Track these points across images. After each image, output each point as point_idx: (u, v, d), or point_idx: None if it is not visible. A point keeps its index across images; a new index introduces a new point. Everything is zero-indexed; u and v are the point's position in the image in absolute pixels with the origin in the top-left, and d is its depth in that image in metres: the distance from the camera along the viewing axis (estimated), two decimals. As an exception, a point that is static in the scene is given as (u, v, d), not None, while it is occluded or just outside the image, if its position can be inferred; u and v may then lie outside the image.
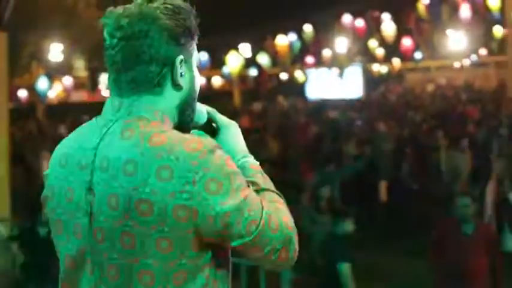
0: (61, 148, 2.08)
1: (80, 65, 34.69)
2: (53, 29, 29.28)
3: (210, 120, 2.22)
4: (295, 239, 1.98)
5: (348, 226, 7.21)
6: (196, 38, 2.08)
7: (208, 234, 1.86)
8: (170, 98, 2.01)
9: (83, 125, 2.09)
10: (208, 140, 1.94)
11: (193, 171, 1.83)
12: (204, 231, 1.85)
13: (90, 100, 35.65)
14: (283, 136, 15.65)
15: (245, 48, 29.36)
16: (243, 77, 28.35)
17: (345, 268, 6.74)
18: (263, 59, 27.04)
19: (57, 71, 30.99)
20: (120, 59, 1.98)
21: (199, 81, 2.14)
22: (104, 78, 28.78)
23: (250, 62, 28.84)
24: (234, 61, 25.02)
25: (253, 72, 31.33)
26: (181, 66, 2.00)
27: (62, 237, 2.03)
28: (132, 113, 1.96)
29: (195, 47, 2.09)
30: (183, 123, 2.07)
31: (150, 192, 1.82)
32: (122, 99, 1.98)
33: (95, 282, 1.94)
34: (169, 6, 1.99)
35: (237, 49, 27.25)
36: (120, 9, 1.99)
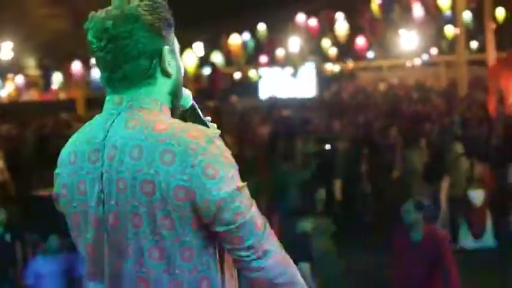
0: (68, 147, 2.22)
1: (32, 64, 34.18)
2: (3, 26, 28.83)
3: (193, 105, 2.44)
4: (275, 256, 2.13)
5: (306, 225, 7.22)
6: (173, 28, 2.22)
7: (205, 215, 2.00)
8: (163, 86, 2.18)
9: (87, 123, 2.23)
10: (209, 130, 2.14)
11: (193, 156, 1.98)
12: (201, 212, 1.99)
13: (42, 99, 35.18)
14: (238, 135, 15.61)
15: (199, 47, 29.27)
16: (196, 76, 28.24)
17: (304, 268, 6.73)
18: (217, 58, 27.00)
19: (7, 70, 30.52)
20: (110, 59, 2.12)
21: (183, 66, 2.29)
22: (56, 77, 28.40)
23: (204, 61, 28.75)
24: (188, 60, 24.93)
25: (207, 71, 31.24)
26: (168, 57, 2.16)
27: (80, 229, 2.20)
28: (133, 105, 2.11)
29: (174, 36, 2.24)
30: (175, 107, 2.24)
31: (154, 174, 1.98)
32: (121, 95, 2.14)
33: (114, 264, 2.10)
34: (147, 2, 2.14)
35: (191, 48, 27.17)
36: (101, 12, 2.14)
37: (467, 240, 10.27)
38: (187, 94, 2.41)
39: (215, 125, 2.50)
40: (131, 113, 2.11)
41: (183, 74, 2.28)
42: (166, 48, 2.17)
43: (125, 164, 2.02)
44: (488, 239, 10.23)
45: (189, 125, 2.15)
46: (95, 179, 2.09)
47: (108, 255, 2.11)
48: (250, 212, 2.05)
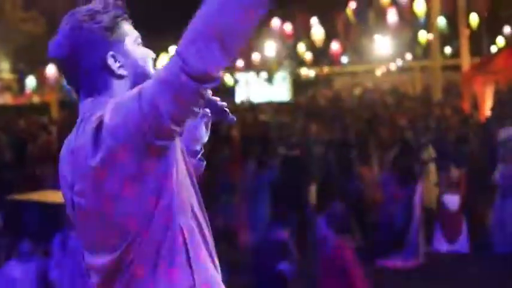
0: (61, 150, 2.33)
1: (5, 67, 33.93)
2: (-23, 30, 28.66)
3: None
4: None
5: (282, 231, 7.26)
6: (122, 19, 2.29)
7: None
8: (121, 87, 2.24)
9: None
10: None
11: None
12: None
13: (16, 103, 34.92)
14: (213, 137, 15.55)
15: (173, 50, 29.12)
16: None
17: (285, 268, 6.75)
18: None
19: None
20: (64, 74, 2.29)
21: (143, 53, 2.32)
22: (30, 81, 28.23)
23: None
24: (162, 63, 24.92)
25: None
26: (115, 60, 2.23)
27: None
28: (94, 112, 2.16)
29: (125, 26, 2.29)
30: None
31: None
32: (83, 103, 2.25)
33: None
34: (86, 14, 2.23)
35: (167, 51, 27.11)
36: (53, 36, 2.27)
37: (441, 244, 10.30)
38: None
39: (218, 99, 2.55)
40: (92, 118, 2.15)
41: (144, 63, 2.30)
42: (110, 53, 2.23)
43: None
44: (463, 244, 10.26)
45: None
46: (67, 184, 2.26)
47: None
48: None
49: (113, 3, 2.29)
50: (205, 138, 2.59)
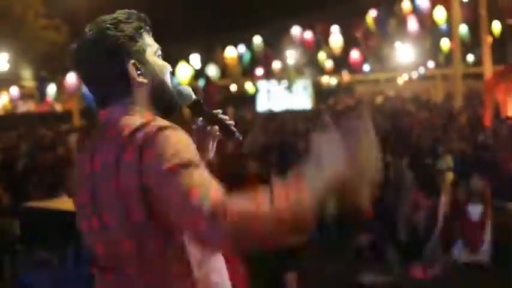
0: (80, 153, 2.44)
1: (27, 75, 34.21)
2: (0, 38, 28.90)
3: (197, 99, 2.54)
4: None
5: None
6: (144, 30, 2.37)
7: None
8: (140, 95, 2.33)
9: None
10: (164, 123, 2.23)
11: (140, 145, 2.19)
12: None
13: (38, 111, 35.19)
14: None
15: (195, 59, 29.26)
16: (193, 88, 28.26)
17: (291, 277, 6.75)
18: (212, 70, 27.07)
19: (3, 81, 30.55)
20: (84, 81, 2.36)
21: (163, 65, 2.41)
22: (52, 88, 28.44)
23: (200, 73, 28.77)
24: (183, 72, 24.94)
25: (202, 83, 31.31)
26: (135, 69, 2.31)
27: None
28: (112, 119, 2.28)
29: (147, 38, 2.38)
30: (164, 106, 2.39)
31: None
32: (105, 109, 2.34)
33: None
34: (112, 19, 2.32)
35: (187, 60, 27.18)
36: (76, 42, 2.35)
37: (462, 254, 10.22)
38: (186, 91, 2.52)
39: (227, 117, 2.59)
40: (110, 125, 2.27)
41: (163, 75, 2.40)
42: (131, 62, 2.30)
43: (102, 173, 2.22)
44: (484, 254, 10.15)
45: (148, 122, 2.22)
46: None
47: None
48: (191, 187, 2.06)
49: (136, 14, 2.37)
50: (212, 155, 2.68)
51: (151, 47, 2.38)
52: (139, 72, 2.32)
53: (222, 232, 1.99)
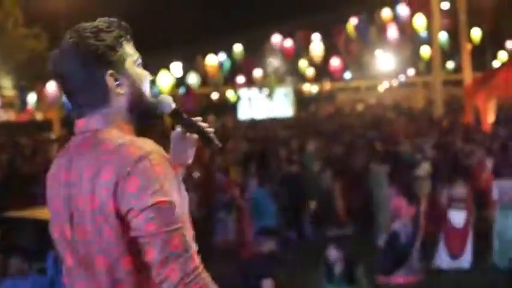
0: (55, 164, 2.38)
1: (7, 84, 34.05)
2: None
3: (177, 108, 2.48)
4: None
5: (271, 244, 7.29)
6: (125, 40, 2.34)
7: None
8: (119, 105, 2.30)
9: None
10: (148, 147, 2.21)
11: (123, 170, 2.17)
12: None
13: (19, 120, 35.05)
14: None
15: (176, 68, 29.25)
16: (173, 96, 28.26)
17: (267, 284, 6.76)
18: (193, 78, 27.09)
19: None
20: (63, 89, 2.33)
21: (142, 75, 2.38)
22: (32, 97, 28.34)
23: (181, 81, 28.76)
24: (164, 80, 24.94)
25: (183, 91, 31.32)
26: (115, 79, 2.28)
27: None
28: (89, 129, 2.28)
29: (127, 47, 2.35)
30: (143, 115, 2.37)
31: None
32: (82, 119, 2.30)
33: None
34: (91, 28, 2.28)
35: (168, 68, 27.17)
36: (54, 51, 2.32)
37: (444, 260, 10.24)
38: (166, 100, 2.46)
39: (206, 125, 2.54)
40: (87, 136, 2.27)
41: (143, 85, 2.37)
42: (109, 72, 2.27)
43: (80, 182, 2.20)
44: (466, 260, 10.19)
45: (131, 142, 2.22)
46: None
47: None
48: (167, 228, 2.10)
49: (117, 23, 2.34)
50: (190, 162, 2.65)
51: (131, 57, 2.36)
52: (117, 82, 2.30)
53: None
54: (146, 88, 2.40)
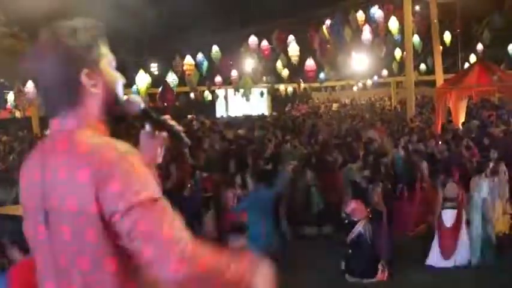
0: (27, 165, 2.40)
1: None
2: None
3: (145, 108, 2.50)
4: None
5: (243, 241, 7.48)
6: (100, 40, 2.35)
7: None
8: (92, 104, 2.29)
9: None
10: (124, 148, 2.21)
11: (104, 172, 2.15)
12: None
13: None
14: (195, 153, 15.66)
15: (154, 68, 29.31)
16: (152, 95, 28.40)
17: None
18: (171, 77, 27.18)
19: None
20: (39, 91, 2.33)
21: (116, 76, 2.39)
22: (11, 96, 28.36)
23: (159, 81, 28.84)
24: (142, 80, 25.11)
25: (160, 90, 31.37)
26: (89, 78, 2.27)
27: None
28: (64, 129, 2.26)
29: (102, 48, 2.35)
30: (114, 115, 2.37)
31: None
32: (56, 119, 2.29)
33: None
34: (66, 31, 2.27)
35: (146, 68, 27.25)
36: (30, 50, 2.32)
37: (436, 259, 10.30)
38: (135, 99, 2.47)
39: (174, 123, 2.57)
40: (62, 136, 2.25)
41: (116, 86, 2.38)
42: (84, 71, 2.27)
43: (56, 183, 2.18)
44: (462, 259, 10.22)
45: (106, 144, 2.21)
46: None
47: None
48: (158, 222, 2.10)
49: (93, 23, 2.34)
50: (160, 160, 2.65)
51: (106, 57, 2.36)
52: (92, 82, 2.28)
53: (185, 275, 2.07)
54: (119, 89, 2.38)
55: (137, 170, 2.13)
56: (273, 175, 11.88)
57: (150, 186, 2.14)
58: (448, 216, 10.30)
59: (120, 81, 2.40)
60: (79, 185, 2.10)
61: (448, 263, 10.24)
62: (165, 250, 2.06)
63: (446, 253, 10.27)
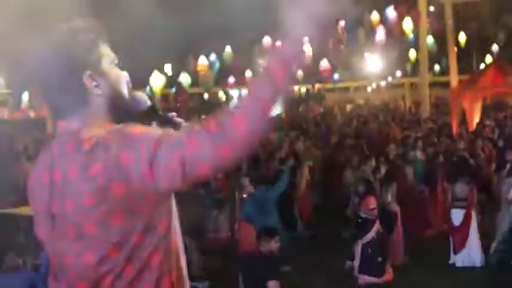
0: (37, 166, 2.37)
1: (1, 82, 34.04)
2: (-28, 45, 28.69)
3: (152, 105, 2.51)
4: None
5: (273, 245, 7.34)
6: (101, 40, 2.33)
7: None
8: (98, 104, 2.28)
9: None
10: (121, 126, 2.23)
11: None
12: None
13: (12, 117, 35.01)
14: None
15: (168, 68, 29.30)
16: (165, 95, 28.44)
17: (272, 286, 6.71)
18: (184, 78, 27.19)
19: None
20: (43, 93, 2.31)
21: (119, 75, 2.38)
22: (26, 96, 28.44)
23: (172, 82, 28.87)
24: (156, 80, 25.15)
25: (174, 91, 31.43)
26: (92, 79, 2.25)
27: None
28: (71, 130, 2.25)
29: (104, 48, 2.33)
30: (120, 114, 2.34)
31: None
32: (63, 121, 2.29)
33: None
34: (67, 32, 2.27)
35: (160, 69, 27.29)
36: (32, 53, 2.31)
37: (454, 258, 10.30)
38: (142, 97, 2.49)
39: (182, 120, 2.55)
40: (68, 138, 2.24)
41: (119, 84, 2.36)
42: (87, 73, 2.25)
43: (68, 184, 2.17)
44: (476, 257, 10.21)
45: (109, 131, 2.20)
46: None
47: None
48: (179, 146, 2.08)
49: (93, 24, 2.33)
50: None
51: (107, 57, 2.34)
52: (95, 83, 2.27)
53: (232, 135, 2.06)
54: (124, 87, 2.37)
55: (134, 130, 2.15)
56: (275, 176, 11.84)
57: (153, 134, 2.13)
58: (457, 216, 10.29)
59: (124, 79, 2.39)
60: (92, 179, 2.09)
61: (457, 262, 10.25)
62: (201, 147, 2.05)
63: (456, 251, 10.28)
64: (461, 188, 10.35)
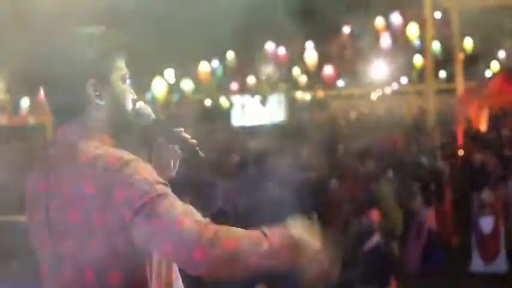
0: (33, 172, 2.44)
1: (0, 88, 33.92)
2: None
3: (157, 119, 2.49)
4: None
5: None
6: (116, 52, 2.31)
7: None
8: (97, 115, 2.28)
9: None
10: (125, 155, 2.20)
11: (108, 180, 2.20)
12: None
13: (11, 124, 34.87)
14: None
15: (170, 74, 29.18)
16: (166, 102, 28.26)
17: None
18: (186, 84, 27.00)
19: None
20: (44, 94, 2.30)
21: (125, 90, 2.35)
22: (26, 102, 28.26)
23: (174, 88, 28.71)
24: (158, 87, 24.91)
25: (176, 98, 31.28)
26: (95, 89, 2.25)
27: None
28: (67, 138, 2.26)
29: (117, 61, 2.31)
30: (121, 127, 2.34)
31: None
32: (61, 127, 2.31)
33: None
34: (83, 37, 2.25)
35: (162, 75, 27.12)
36: (41, 52, 2.30)
37: (478, 265, 10.29)
38: (146, 110, 2.45)
39: (189, 137, 2.50)
40: (65, 146, 2.23)
41: (124, 99, 2.34)
42: (91, 81, 2.24)
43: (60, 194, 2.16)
44: (500, 264, 10.24)
45: (109, 153, 2.17)
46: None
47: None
48: (171, 216, 2.06)
49: (112, 33, 2.31)
50: (174, 173, 2.59)
51: (118, 71, 2.32)
52: (97, 93, 2.26)
53: (218, 259, 2.02)
54: (128, 103, 2.35)
55: (140, 173, 2.09)
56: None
57: (156, 185, 2.09)
58: (486, 223, 10.22)
59: (130, 97, 2.37)
60: (82, 197, 2.08)
61: (490, 269, 10.21)
62: (184, 240, 2.01)
63: (486, 260, 10.17)
64: (487, 195, 10.33)
